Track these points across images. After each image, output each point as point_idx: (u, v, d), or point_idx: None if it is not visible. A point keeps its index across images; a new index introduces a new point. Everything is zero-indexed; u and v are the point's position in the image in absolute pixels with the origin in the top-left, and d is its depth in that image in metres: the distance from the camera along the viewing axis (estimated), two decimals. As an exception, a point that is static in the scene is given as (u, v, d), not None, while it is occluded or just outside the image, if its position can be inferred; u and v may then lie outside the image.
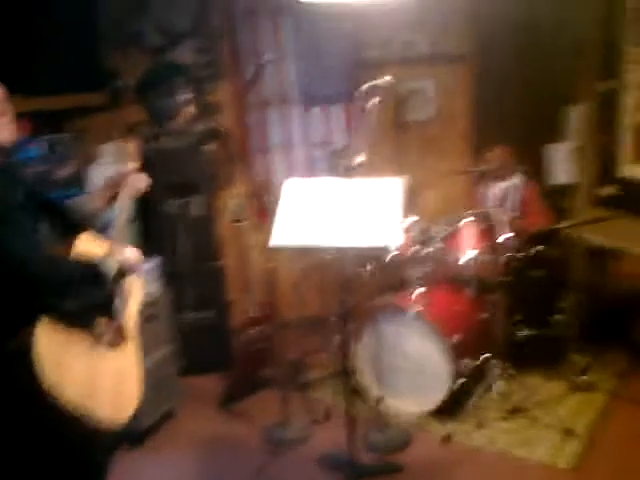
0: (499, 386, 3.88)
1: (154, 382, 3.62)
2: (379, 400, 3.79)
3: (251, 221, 4.60)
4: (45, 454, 2.29)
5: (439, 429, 3.70)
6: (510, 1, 4.52)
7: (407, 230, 3.89)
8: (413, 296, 3.88)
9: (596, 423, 3.70)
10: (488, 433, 3.65)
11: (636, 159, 4.45)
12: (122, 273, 2.42)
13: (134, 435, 3.70)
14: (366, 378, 3.95)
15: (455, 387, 3.69)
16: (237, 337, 4.30)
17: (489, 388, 3.90)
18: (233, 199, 4.36)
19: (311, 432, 3.78)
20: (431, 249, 3.93)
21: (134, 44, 4.56)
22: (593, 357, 4.14)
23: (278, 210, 3.01)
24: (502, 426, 3.70)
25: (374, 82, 3.17)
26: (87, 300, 2.28)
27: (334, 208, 2.94)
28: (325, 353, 4.29)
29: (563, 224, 4.17)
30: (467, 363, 3.75)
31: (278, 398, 3.83)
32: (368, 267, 4.05)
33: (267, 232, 2.99)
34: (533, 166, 4.73)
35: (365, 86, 3.17)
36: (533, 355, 4.08)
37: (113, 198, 2.57)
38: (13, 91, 2.33)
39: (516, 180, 4.58)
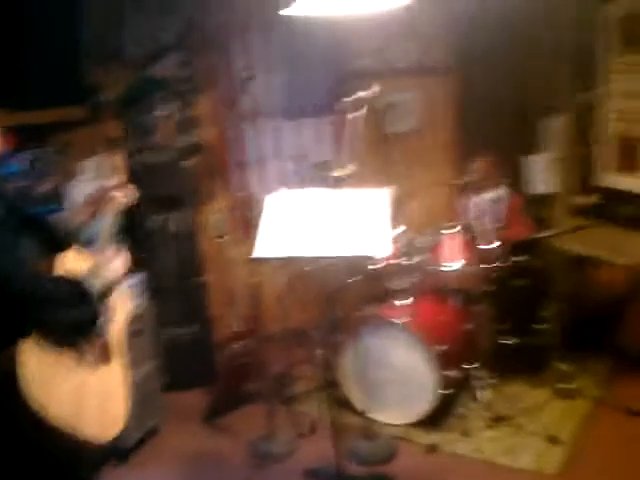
0: (483, 395, 3.90)
1: (139, 398, 3.59)
2: (365, 412, 3.79)
3: (233, 235, 4.60)
4: (32, 471, 2.27)
5: (425, 439, 3.71)
6: (492, 14, 4.58)
7: (395, 240, 3.91)
8: (398, 307, 3.90)
9: (580, 430, 3.72)
10: (473, 442, 3.66)
11: (615, 169, 4.50)
12: (107, 290, 2.40)
13: (119, 451, 3.67)
14: (351, 390, 3.94)
15: (440, 397, 3.70)
16: (221, 352, 4.29)
17: (474, 397, 3.92)
18: (215, 214, 4.36)
19: (297, 445, 3.77)
20: (416, 260, 3.95)
21: (115, 58, 4.56)
22: (576, 364, 4.17)
23: (262, 222, 3.01)
24: (487, 434, 3.71)
25: (359, 93, 3.19)
26: (72, 317, 2.26)
27: (320, 219, 2.95)
28: (310, 366, 4.29)
29: (544, 233, 4.21)
30: (452, 372, 3.77)
31: (263, 412, 3.82)
32: (353, 278, 4.07)
33: (250, 246, 2.98)
34: (514, 176, 4.78)
35: (350, 97, 3.19)
36: (517, 363, 4.10)
37: (98, 212, 2.56)
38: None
39: (500, 191, 4.62)
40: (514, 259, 4.08)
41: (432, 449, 3.60)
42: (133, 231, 4.19)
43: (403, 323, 3.77)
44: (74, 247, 2.45)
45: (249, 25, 4.93)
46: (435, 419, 3.78)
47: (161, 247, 4.42)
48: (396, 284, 4.01)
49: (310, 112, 5.19)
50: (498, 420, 3.78)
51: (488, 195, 4.63)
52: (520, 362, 4.11)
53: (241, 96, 4.53)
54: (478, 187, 4.66)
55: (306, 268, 4.03)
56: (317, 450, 3.54)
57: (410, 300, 3.93)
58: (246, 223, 4.91)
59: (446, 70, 5.32)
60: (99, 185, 2.69)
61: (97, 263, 2.38)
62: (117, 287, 2.49)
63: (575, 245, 4.24)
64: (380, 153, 4.97)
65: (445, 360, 3.72)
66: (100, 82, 4.49)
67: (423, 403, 3.74)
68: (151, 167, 4.36)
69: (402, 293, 3.97)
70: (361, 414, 3.78)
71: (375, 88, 3.18)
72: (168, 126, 4.51)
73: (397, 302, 3.94)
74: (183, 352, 4.38)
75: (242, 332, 4.22)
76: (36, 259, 2.37)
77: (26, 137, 3.99)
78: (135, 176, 2.65)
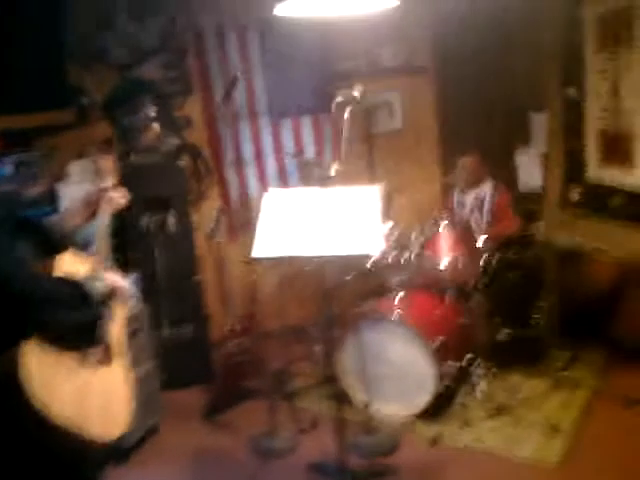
0: (483, 386, 3.93)
1: (139, 397, 3.57)
2: (366, 405, 3.80)
3: (227, 235, 4.60)
4: (38, 470, 2.26)
5: (426, 431, 3.72)
6: (476, 11, 4.62)
7: (386, 236, 3.93)
8: (393, 301, 3.92)
9: (580, 419, 3.75)
10: (474, 433, 3.68)
11: (603, 162, 4.55)
12: (108, 291, 2.38)
13: (120, 451, 3.64)
14: (351, 385, 3.95)
15: (440, 389, 3.72)
16: (217, 350, 4.29)
17: (473, 389, 3.95)
18: (208, 214, 4.36)
19: (299, 441, 3.77)
20: (410, 255, 3.98)
21: (100, 60, 4.54)
22: (572, 354, 4.22)
23: (258, 221, 3.02)
24: (488, 425, 3.74)
25: (345, 93, 3.20)
26: (74, 319, 2.25)
27: (314, 217, 2.96)
28: (309, 362, 4.29)
29: (535, 227, 4.26)
30: (450, 365, 3.79)
31: (263, 408, 3.82)
32: (349, 275, 4.09)
33: (245, 245, 2.98)
34: (502, 171, 4.83)
35: (337, 98, 3.20)
36: (514, 354, 4.14)
37: (92, 214, 2.55)
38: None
39: (488, 186, 4.67)
40: (507, 252, 4.12)
41: (434, 441, 3.62)
42: (125, 233, 4.20)
43: (399, 317, 3.79)
44: (71, 249, 2.44)
45: (236, 26, 4.94)
46: (436, 411, 3.80)
47: (155, 248, 4.40)
48: (391, 279, 4.04)
49: (296, 112, 5.20)
50: (498, 411, 3.81)
51: (476, 191, 4.69)
52: (517, 353, 4.15)
53: (229, 97, 4.52)
54: (466, 183, 4.71)
55: (304, 266, 4.05)
56: (319, 445, 3.54)
57: (405, 294, 3.95)
58: (239, 222, 4.95)
59: (432, 70, 5.36)
60: (94, 187, 2.68)
61: (95, 265, 2.37)
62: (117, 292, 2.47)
63: (565, 238, 4.28)
64: (366, 152, 4.99)
65: (442, 352, 3.75)
66: (85, 84, 4.49)
67: (423, 395, 3.75)
68: (143, 168, 4.35)
69: (396, 288, 3.99)
70: (363, 406, 3.80)
71: (360, 88, 3.20)
72: (153, 128, 4.49)
73: (392, 297, 3.96)
74: (180, 351, 4.36)
75: (239, 330, 4.22)
76: (32, 261, 2.36)
77: (12, 141, 3.99)
78: (125, 178, 2.65)
